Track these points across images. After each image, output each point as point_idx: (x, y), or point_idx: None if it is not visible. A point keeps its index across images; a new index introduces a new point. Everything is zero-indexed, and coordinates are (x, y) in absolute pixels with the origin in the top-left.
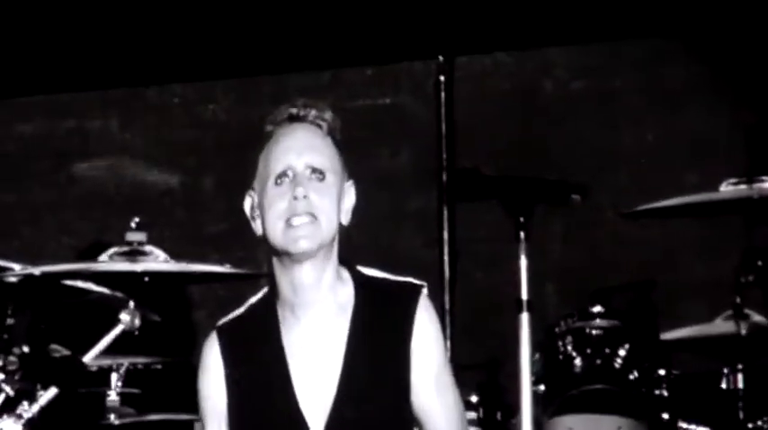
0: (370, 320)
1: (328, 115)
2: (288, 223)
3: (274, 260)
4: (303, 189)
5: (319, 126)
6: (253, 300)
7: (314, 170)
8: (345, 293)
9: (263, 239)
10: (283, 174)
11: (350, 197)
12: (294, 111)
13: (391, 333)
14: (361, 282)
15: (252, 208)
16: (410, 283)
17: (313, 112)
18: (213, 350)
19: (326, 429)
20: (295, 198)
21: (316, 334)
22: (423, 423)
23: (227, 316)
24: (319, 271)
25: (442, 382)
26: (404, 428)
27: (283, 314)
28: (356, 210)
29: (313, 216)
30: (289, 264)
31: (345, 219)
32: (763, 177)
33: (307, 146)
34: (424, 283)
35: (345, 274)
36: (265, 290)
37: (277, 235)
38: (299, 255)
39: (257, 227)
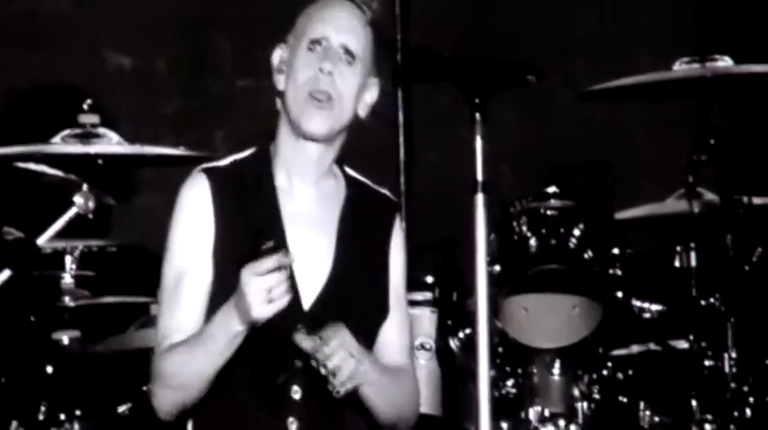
0: (357, 217)
1: (375, 5)
2: (309, 95)
3: (283, 123)
4: (331, 65)
5: (363, 12)
6: (237, 156)
7: (346, 51)
8: (335, 186)
9: (282, 95)
10: (317, 42)
11: (372, 93)
12: None
13: (375, 237)
14: (350, 181)
15: (280, 61)
16: (390, 197)
17: None
18: (202, 189)
19: (315, 305)
20: (320, 70)
21: (307, 210)
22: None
23: (209, 163)
24: (323, 151)
25: (400, 298)
26: (379, 328)
27: (279, 177)
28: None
29: (331, 98)
30: (296, 134)
31: (363, 112)
32: (716, 56)
33: (347, 26)
34: (399, 201)
35: (336, 170)
36: (253, 149)
37: (296, 103)
38: (309, 134)
39: (280, 81)
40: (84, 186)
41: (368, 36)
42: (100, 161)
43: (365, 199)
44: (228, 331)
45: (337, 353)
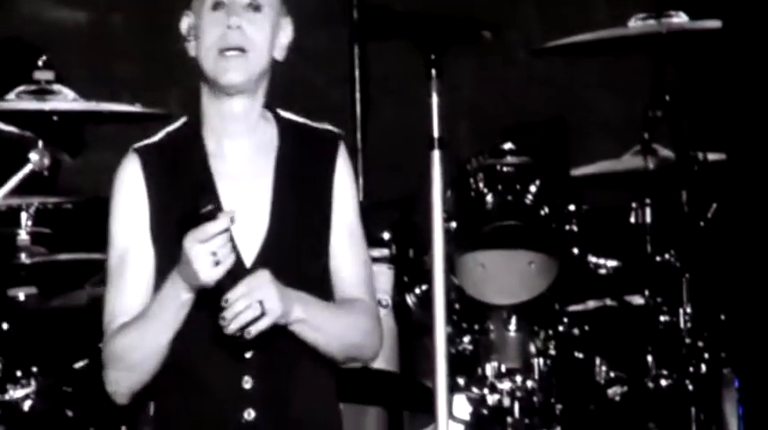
0: (294, 161)
1: None
2: (220, 53)
3: (204, 87)
4: (237, 19)
5: None
6: (170, 128)
7: (250, 2)
8: (269, 132)
9: (196, 64)
10: (220, 2)
11: (286, 33)
12: None
13: (315, 176)
14: (283, 124)
15: (189, 28)
16: (330, 130)
17: None
18: (134, 169)
19: (257, 261)
20: (229, 27)
21: (242, 167)
22: (331, 272)
23: (142, 141)
24: (248, 103)
25: (354, 232)
26: (324, 270)
27: (209, 143)
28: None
29: (243, 50)
30: (218, 94)
31: (280, 55)
32: (671, 12)
33: None
34: (342, 132)
35: (269, 115)
36: (184, 120)
37: (209, 62)
38: (228, 87)
39: (191, 48)
40: (40, 143)
41: None
42: (55, 118)
43: (302, 139)
44: (178, 299)
45: (236, 303)
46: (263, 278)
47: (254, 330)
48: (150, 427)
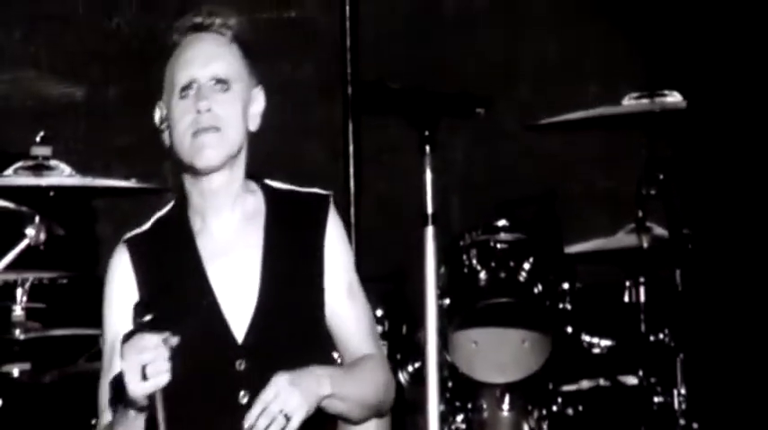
0: (282, 229)
1: (233, 21)
2: (194, 136)
3: (182, 171)
4: (207, 102)
5: (223, 34)
6: (159, 214)
7: (218, 80)
8: (255, 203)
9: (172, 151)
10: (188, 87)
11: (258, 103)
12: (198, 20)
13: (305, 241)
14: (269, 193)
15: (161, 119)
16: (317, 193)
17: (217, 21)
18: (122, 260)
19: (248, 335)
20: (198, 112)
21: (229, 241)
22: (334, 329)
23: (133, 231)
24: (227, 178)
25: (353, 288)
26: (320, 333)
27: (195, 222)
28: (261, 123)
29: (217, 129)
30: (197, 175)
31: (254, 125)
32: (665, 91)
33: (210, 56)
34: (331, 192)
35: (253, 186)
36: (172, 203)
37: (184, 148)
38: (206, 167)
39: (166, 138)
40: (36, 218)
41: (235, 54)
42: (51, 193)
43: (289, 206)
44: (121, 412)
45: (258, 422)
46: (278, 385)
47: None
48: None
